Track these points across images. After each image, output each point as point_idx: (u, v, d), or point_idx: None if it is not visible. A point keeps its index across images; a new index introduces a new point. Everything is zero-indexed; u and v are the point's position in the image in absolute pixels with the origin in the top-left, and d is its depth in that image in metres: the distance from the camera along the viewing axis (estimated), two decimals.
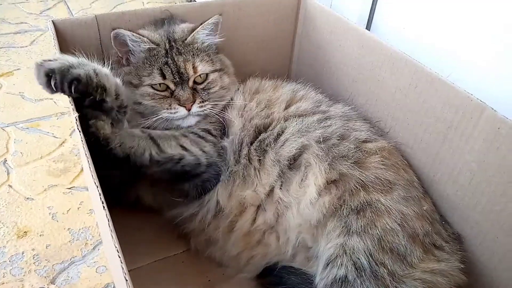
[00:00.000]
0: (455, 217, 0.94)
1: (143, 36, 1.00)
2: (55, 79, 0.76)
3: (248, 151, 1.00)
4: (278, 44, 1.41)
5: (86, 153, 0.65)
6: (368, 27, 1.43)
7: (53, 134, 1.44)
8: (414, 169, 0.99)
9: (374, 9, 1.39)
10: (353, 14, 1.40)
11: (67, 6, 2.35)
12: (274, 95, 1.10)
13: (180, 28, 1.07)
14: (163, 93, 1.01)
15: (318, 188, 0.90)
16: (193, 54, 1.04)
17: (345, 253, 0.82)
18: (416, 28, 1.25)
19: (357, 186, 0.88)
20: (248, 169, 0.98)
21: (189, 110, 1.01)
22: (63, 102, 1.58)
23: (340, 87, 1.11)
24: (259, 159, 0.98)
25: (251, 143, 1.01)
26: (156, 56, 1.00)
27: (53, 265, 1.03)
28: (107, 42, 1.10)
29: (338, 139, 0.97)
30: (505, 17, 1.02)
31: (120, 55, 1.03)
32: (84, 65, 0.81)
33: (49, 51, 1.90)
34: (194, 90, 1.03)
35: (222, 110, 1.07)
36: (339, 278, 0.80)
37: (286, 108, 1.07)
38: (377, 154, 0.94)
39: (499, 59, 1.05)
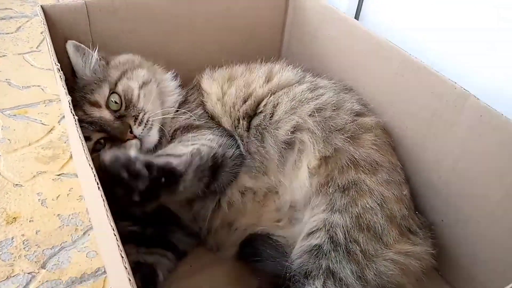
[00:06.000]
0: (438, 202, 0.98)
1: None
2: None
3: (247, 139, 0.98)
4: (267, 34, 1.41)
5: (80, 135, 0.65)
6: (356, 17, 1.44)
7: (41, 121, 1.43)
8: (400, 155, 1.01)
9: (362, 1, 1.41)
10: (342, 4, 1.41)
11: None
12: (251, 77, 1.06)
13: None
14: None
15: (310, 171, 0.91)
16: (83, 96, 0.93)
17: (325, 227, 0.84)
18: (404, 20, 1.27)
19: (348, 163, 0.89)
20: (254, 156, 0.96)
21: (135, 137, 0.92)
22: (51, 89, 1.57)
23: (329, 75, 1.12)
24: (260, 145, 0.96)
25: (248, 130, 0.99)
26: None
27: (43, 250, 1.03)
28: (97, 29, 1.10)
29: (334, 109, 0.96)
30: (491, 10, 1.04)
31: None
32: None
33: (35, 38, 1.88)
34: (120, 118, 0.93)
35: (183, 102, 1.05)
36: (314, 246, 0.83)
37: (268, 81, 1.03)
38: (372, 131, 0.95)
39: (484, 50, 1.08)
